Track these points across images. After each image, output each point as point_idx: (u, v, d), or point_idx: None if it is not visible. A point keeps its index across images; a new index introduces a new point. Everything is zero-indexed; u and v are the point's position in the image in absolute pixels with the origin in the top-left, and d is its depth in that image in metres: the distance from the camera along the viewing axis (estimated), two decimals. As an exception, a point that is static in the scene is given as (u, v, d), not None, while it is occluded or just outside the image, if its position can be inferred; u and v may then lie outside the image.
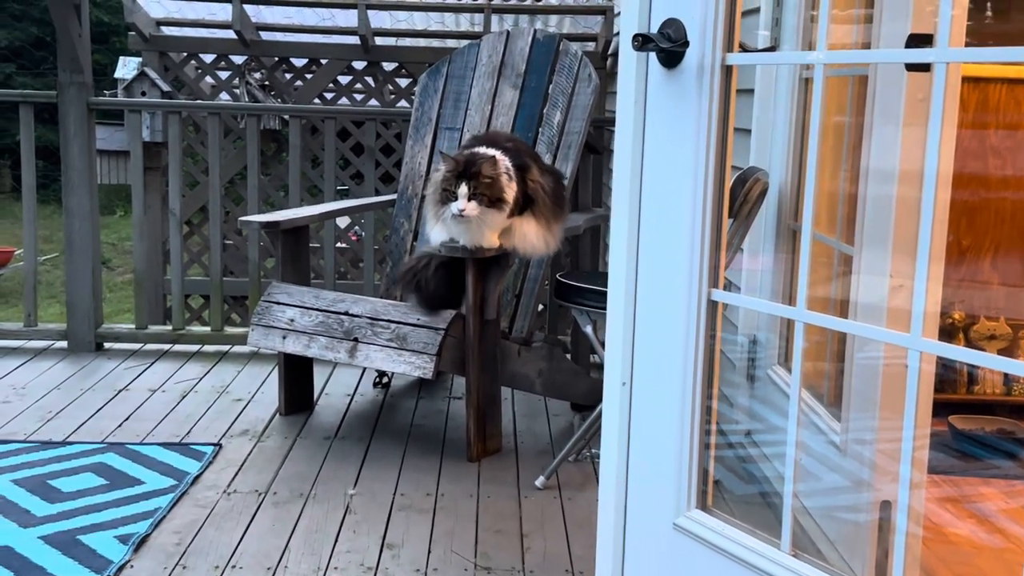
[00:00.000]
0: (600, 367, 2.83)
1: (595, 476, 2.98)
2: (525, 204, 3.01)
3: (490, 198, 2.92)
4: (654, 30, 1.76)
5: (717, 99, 1.72)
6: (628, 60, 1.81)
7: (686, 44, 1.71)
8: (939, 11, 1.38)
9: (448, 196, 2.94)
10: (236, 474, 2.97)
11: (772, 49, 3.06)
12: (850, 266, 2.44)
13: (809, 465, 2.64)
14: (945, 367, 3.18)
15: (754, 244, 3.13)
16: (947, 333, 3.23)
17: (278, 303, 3.31)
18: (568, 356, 3.92)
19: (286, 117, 5.48)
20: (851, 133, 2.63)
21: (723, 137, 1.74)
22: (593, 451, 3.16)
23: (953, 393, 3.17)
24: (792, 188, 2.97)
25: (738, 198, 2.68)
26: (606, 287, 1.90)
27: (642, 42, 1.72)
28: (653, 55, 1.77)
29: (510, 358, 3.26)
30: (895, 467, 1.59)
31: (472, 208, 2.90)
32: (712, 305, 1.78)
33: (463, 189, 2.90)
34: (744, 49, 2.34)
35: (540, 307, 4.61)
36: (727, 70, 1.72)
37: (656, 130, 1.79)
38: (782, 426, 2.83)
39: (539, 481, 2.96)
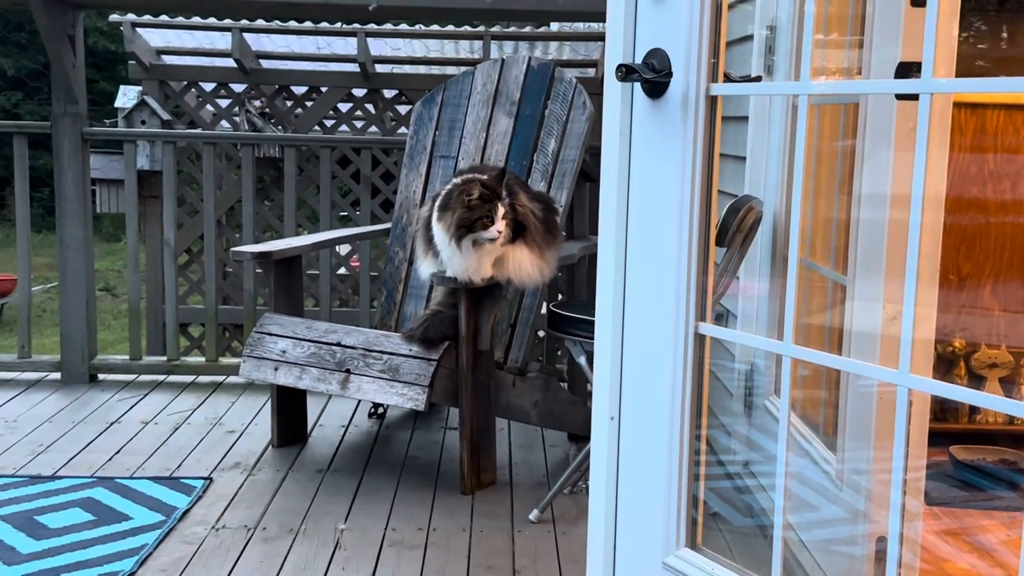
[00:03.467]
0: (594, 398, 2.79)
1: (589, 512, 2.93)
2: (516, 232, 2.97)
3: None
4: (639, 60, 1.74)
5: (702, 130, 1.69)
6: (613, 91, 1.79)
7: (670, 74, 1.68)
8: (924, 40, 1.34)
9: (478, 223, 2.89)
10: (225, 509, 2.93)
11: (759, 79, 3.04)
12: (845, 296, 2.40)
13: (806, 497, 2.59)
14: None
15: (750, 272, 3.10)
16: (948, 361, 3.18)
17: (270, 334, 3.28)
18: (564, 386, 3.88)
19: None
20: (844, 161, 2.60)
21: (708, 168, 1.71)
22: (589, 484, 3.10)
23: (955, 422, 3.12)
24: (787, 216, 2.94)
25: (731, 227, 2.65)
26: (597, 318, 1.86)
27: (626, 72, 1.69)
28: (638, 85, 1.75)
29: (505, 389, 3.22)
30: (900, 504, 1.55)
31: (504, 228, 2.88)
32: (700, 339, 1.74)
33: (500, 210, 2.88)
34: (729, 79, 2.32)
35: (540, 334, 4.57)
36: (712, 100, 1.70)
37: (641, 161, 1.76)
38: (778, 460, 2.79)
39: (533, 515, 2.91)
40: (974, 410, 3.14)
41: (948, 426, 3.05)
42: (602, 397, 1.86)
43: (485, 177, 2.95)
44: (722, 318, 3.37)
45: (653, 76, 1.70)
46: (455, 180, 3.01)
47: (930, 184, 2.12)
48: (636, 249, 1.76)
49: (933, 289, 2.21)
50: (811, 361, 1.63)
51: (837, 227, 2.63)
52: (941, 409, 3.08)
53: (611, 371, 1.83)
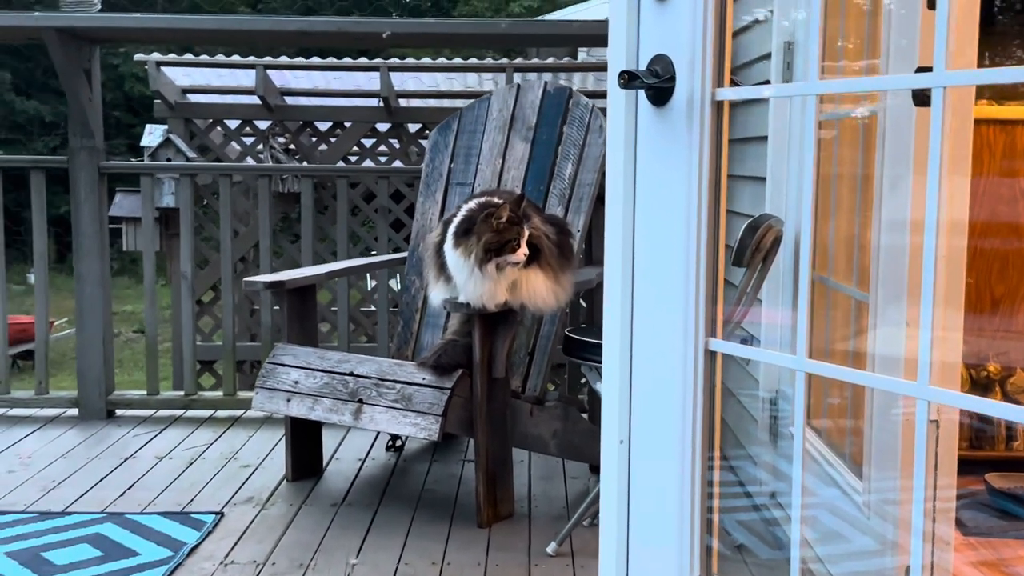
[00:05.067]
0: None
1: (610, 542, 2.83)
2: (530, 256, 2.90)
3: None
4: (642, 67, 1.67)
5: (708, 135, 1.61)
6: (616, 100, 1.72)
7: (673, 80, 1.62)
8: (936, 33, 1.27)
9: (506, 246, 2.83)
10: (235, 544, 2.86)
11: (766, 82, 2.96)
12: (868, 316, 2.31)
13: (833, 527, 2.48)
14: (982, 420, 3.01)
15: (772, 295, 3.01)
16: (983, 386, 3.06)
17: (283, 364, 3.22)
18: (585, 416, 3.79)
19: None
20: (864, 180, 2.52)
21: (716, 175, 1.63)
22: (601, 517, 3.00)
23: (991, 450, 2.99)
24: (799, 225, 2.85)
25: (750, 246, 2.56)
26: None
27: (628, 79, 1.63)
28: (642, 93, 1.68)
29: (522, 418, 3.13)
30: (921, 528, 1.45)
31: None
32: (710, 355, 1.65)
33: (526, 233, 2.83)
34: (736, 85, 2.26)
35: (563, 365, 4.49)
36: (718, 105, 1.62)
37: (647, 170, 1.69)
38: (808, 487, 2.68)
39: (551, 548, 2.82)
40: (1011, 437, 3.01)
41: (984, 453, 2.93)
42: (611, 419, 1.78)
43: (502, 200, 2.89)
44: (745, 343, 3.27)
45: (656, 82, 1.63)
46: (470, 204, 2.95)
47: (952, 208, 2.04)
48: (643, 261, 1.68)
49: (958, 312, 2.12)
50: (825, 375, 1.54)
51: (859, 246, 2.54)
52: (977, 437, 2.96)
53: (620, 391, 1.75)
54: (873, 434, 2.21)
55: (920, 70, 1.95)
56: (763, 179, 3.14)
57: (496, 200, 2.90)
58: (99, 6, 3.96)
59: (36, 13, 3.93)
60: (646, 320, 1.70)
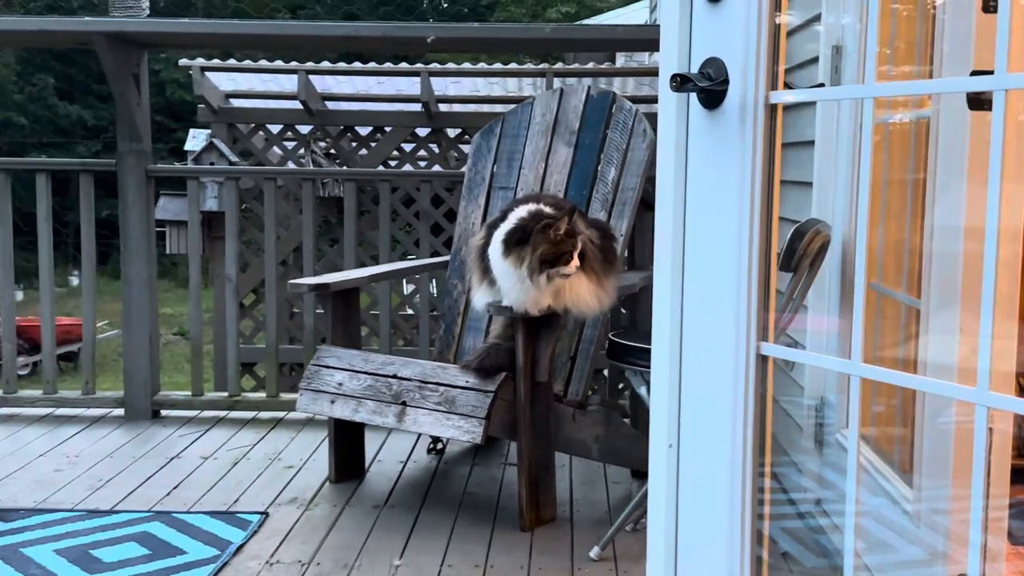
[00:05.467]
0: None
1: (653, 547, 2.82)
2: (574, 260, 2.90)
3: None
4: (694, 70, 1.67)
5: (761, 139, 1.61)
6: (668, 103, 1.72)
7: (726, 82, 1.61)
8: (997, 35, 1.26)
9: (561, 259, 2.83)
10: (280, 544, 2.88)
11: (821, 85, 2.94)
12: (919, 322, 2.28)
13: (882, 536, 2.45)
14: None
15: (819, 302, 2.98)
16: (1032, 395, 3.01)
17: (327, 367, 3.24)
18: (627, 420, 3.77)
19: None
20: (914, 183, 2.49)
21: (769, 179, 1.62)
22: (648, 522, 2.99)
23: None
24: (856, 244, 2.82)
25: (797, 251, 2.54)
26: (657, 345, 1.78)
27: (680, 82, 1.62)
28: (694, 96, 1.68)
29: (564, 422, 3.13)
30: (979, 538, 1.43)
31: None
32: (762, 360, 1.65)
33: (579, 245, 2.84)
34: (789, 88, 2.25)
35: (605, 373, 4.48)
36: (771, 109, 1.61)
37: (698, 174, 1.68)
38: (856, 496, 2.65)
39: (594, 552, 2.81)
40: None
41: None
42: (660, 423, 1.77)
43: (553, 210, 2.88)
44: (791, 347, 3.25)
45: (709, 85, 1.62)
46: (520, 212, 2.93)
47: (1009, 216, 2.02)
48: (693, 265, 1.68)
49: (1013, 321, 2.09)
50: (880, 380, 1.53)
51: (909, 251, 2.51)
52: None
53: (669, 395, 1.74)
54: (924, 442, 2.18)
55: (975, 74, 1.93)
56: (806, 184, 3.12)
57: (546, 209, 2.89)
58: (147, 11, 4.02)
59: (87, 18, 3.99)
60: (696, 324, 1.70)
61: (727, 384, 1.66)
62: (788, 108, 3.37)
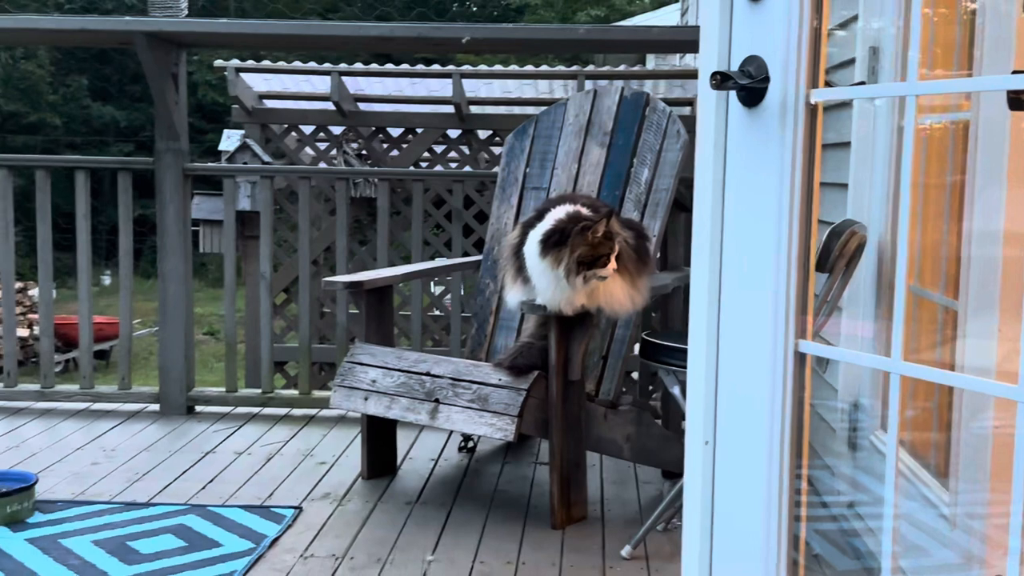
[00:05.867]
0: (688, 431, 2.69)
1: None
2: (608, 260, 2.91)
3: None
4: (734, 68, 1.68)
5: (802, 137, 1.61)
6: (707, 101, 1.73)
7: (767, 80, 1.62)
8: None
9: (599, 261, 2.84)
10: (314, 538, 2.91)
11: (862, 83, 2.93)
12: (956, 324, 2.27)
13: (917, 539, 2.44)
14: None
15: (853, 305, 2.98)
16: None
17: (361, 364, 3.27)
18: (658, 421, 3.77)
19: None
20: (952, 185, 2.48)
21: (809, 178, 1.63)
22: (684, 521, 2.99)
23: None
24: (894, 245, 2.81)
25: (833, 251, 2.54)
26: (693, 345, 1.78)
27: (720, 80, 1.63)
28: (733, 94, 1.68)
29: (596, 421, 3.14)
30: (1020, 544, 1.43)
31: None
32: (800, 357, 1.65)
33: (617, 248, 2.86)
34: (830, 86, 2.25)
35: (635, 376, 4.48)
36: (812, 108, 1.62)
37: (737, 172, 1.69)
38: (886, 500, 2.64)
39: (625, 551, 2.82)
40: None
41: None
42: (696, 420, 1.78)
43: (590, 212, 2.89)
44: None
45: (749, 82, 1.63)
46: (557, 213, 2.93)
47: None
48: (731, 262, 1.68)
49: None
50: (920, 377, 1.52)
51: (947, 254, 2.50)
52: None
53: (705, 391, 1.75)
54: (961, 445, 2.18)
55: (1017, 73, 1.93)
56: (839, 185, 3.11)
57: (584, 211, 2.90)
58: (186, 11, 4.07)
59: (127, 18, 4.05)
60: (733, 320, 1.70)
61: (764, 381, 1.66)
62: (824, 110, 3.36)
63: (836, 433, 3.17)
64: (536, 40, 4.27)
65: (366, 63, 7.93)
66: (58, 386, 4.37)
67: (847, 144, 3.09)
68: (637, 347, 3.69)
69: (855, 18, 3.16)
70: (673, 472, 3.43)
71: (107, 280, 17.69)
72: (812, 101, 1.61)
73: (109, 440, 3.87)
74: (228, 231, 4.34)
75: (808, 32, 1.61)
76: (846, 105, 3.12)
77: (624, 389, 4.26)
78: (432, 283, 7.69)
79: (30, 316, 11.16)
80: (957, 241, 2.31)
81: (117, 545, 2.83)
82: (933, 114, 2.64)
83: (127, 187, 4.22)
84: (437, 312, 7.28)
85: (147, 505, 3.16)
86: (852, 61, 3.14)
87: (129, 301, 4.31)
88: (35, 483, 3.12)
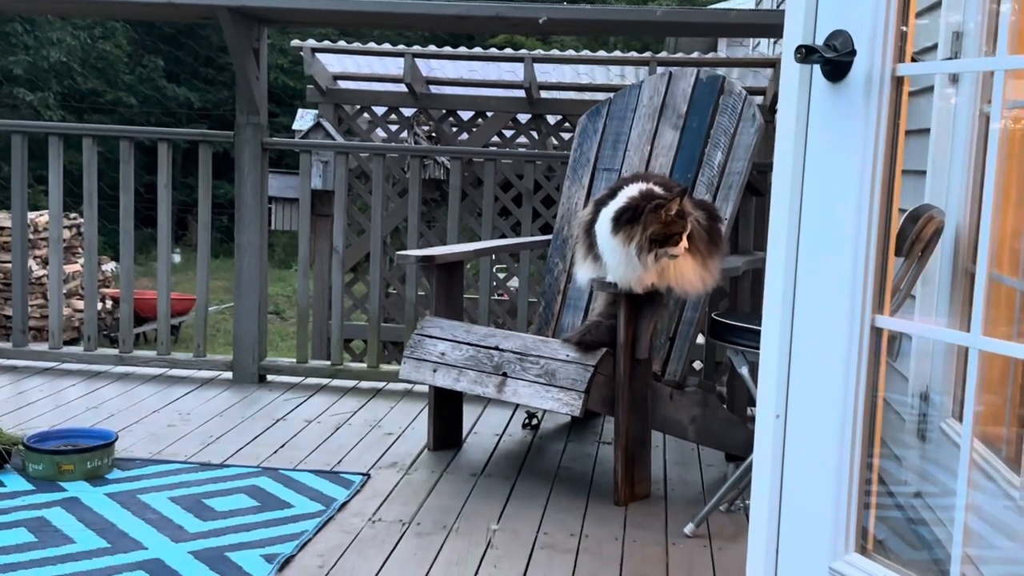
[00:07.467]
0: (756, 411, 2.69)
1: (748, 527, 2.82)
2: (680, 239, 2.92)
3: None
4: (819, 42, 1.68)
5: (887, 112, 1.62)
6: (790, 74, 1.73)
7: (853, 53, 1.62)
8: None
9: (671, 239, 2.86)
10: (382, 503, 2.97)
11: (949, 59, 2.89)
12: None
13: (987, 529, 2.42)
14: None
15: (928, 291, 2.95)
16: None
17: (430, 336, 3.32)
18: (724, 406, 3.77)
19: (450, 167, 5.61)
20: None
21: (892, 153, 1.63)
22: (747, 502, 3.00)
23: None
24: (971, 232, 2.78)
25: (910, 235, 2.52)
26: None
27: (805, 53, 1.64)
28: (817, 69, 1.69)
29: (662, 401, 3.15)
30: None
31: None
32: (876, 332, 1.65)
33: (689, 226, 2.89)
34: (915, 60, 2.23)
35: (696, 366, 4.48)
36: (898, 82, 1.62)
37: (818, 146, 1.69)
38: (956, 487, 2.62)
39: (688, 528, 2.83)
40: None
41: None
42: (768, 394, 1.79)
43: (663, 191, 2.90)
44: (895, 339, 3.21)
45: (834, 55, 1.64)
46: (630, 191, 2.95)
47: None
48: (809, 233, 1.69)
49: None
50: (1000, 352, 1.52)
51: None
52: None
53: (778, 366, 1.76)
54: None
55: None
56: (916, 172, 3.08)
57: (656, 189, 2.91)
58: (267, -12, 4.13)
59: (211, -6, 4.12)
60: (809, 291, 1.71)
61: (839, 355, 1.67)
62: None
63: (905, 422, 3.14)
64: (612, 21, 4.28)
65: (439, 46, 7.97)
66: (135, 351, 4.50)
67: (925, 131, 3.06)
68: (700, 337, 3.70)
69: (939, 4, 3.12)
70: (737, 455, 3.43)
71: (177, 258, 18.04)
72: (899, 75, 1.61)
73: (184, 404, 3.98)
74: (304, 205, 4.42)
75: (896, 6, 1.61)
76: (926, 91, 3.08)
77: (700, 375, 4.27)
78: (494, 268, 7.75)
79: (102, 291, 11.46)
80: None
81: (193, 502, 2.92)
82: (1015, 97, 2.60)
83: (207, 160, 4.32)
84: (501, 296, 7.33)
85: (221, 466, 3.25)
86: (934, 47, 3.10)
87: (206, 275, 4.41)
88: (115, 441, 3.23)
